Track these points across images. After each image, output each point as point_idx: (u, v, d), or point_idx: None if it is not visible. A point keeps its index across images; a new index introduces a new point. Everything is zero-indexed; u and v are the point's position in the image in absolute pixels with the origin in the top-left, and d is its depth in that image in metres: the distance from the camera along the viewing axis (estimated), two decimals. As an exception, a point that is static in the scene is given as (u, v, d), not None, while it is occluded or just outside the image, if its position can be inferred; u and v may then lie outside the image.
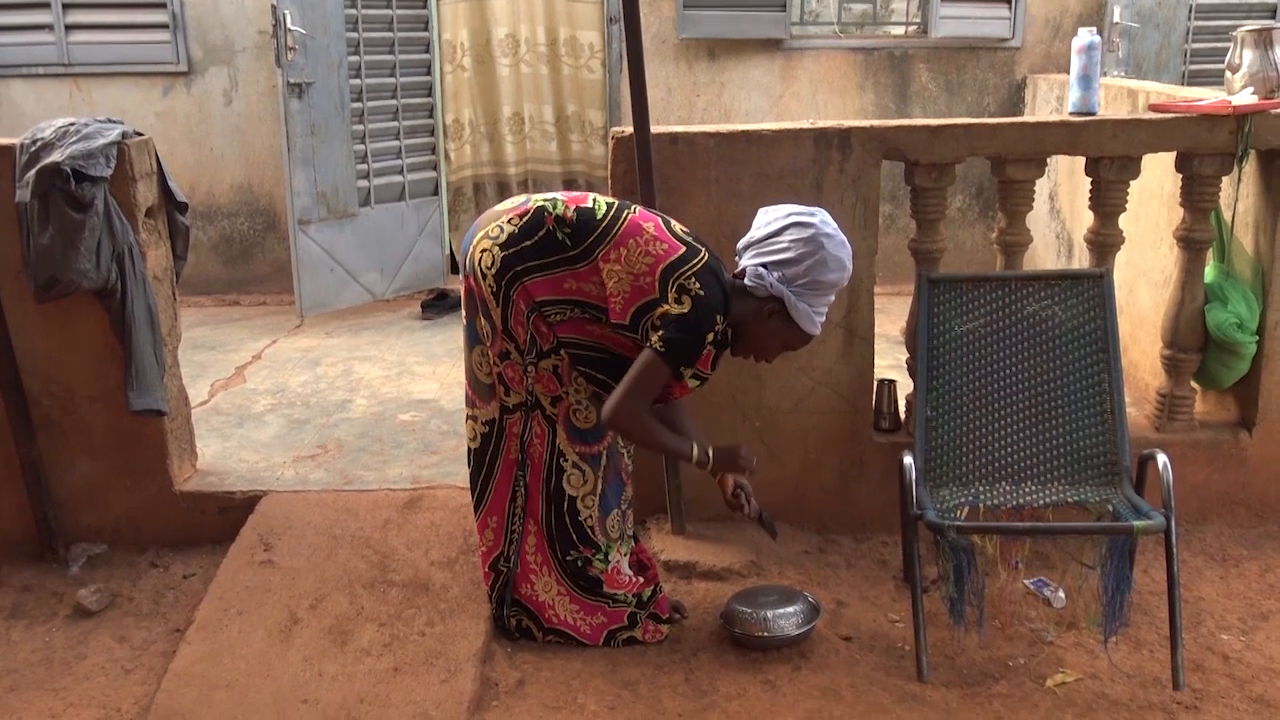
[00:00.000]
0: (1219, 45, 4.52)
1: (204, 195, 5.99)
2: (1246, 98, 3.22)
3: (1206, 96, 3.46)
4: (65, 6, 5.69)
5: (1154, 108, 3.36)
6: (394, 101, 5.71)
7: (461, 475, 3.49)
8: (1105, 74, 5.25)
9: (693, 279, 2.52)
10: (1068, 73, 3.46)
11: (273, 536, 3.17)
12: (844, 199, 3.19)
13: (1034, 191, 3.30)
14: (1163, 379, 3.47)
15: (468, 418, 2.84)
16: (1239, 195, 3.37)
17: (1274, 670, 2.73)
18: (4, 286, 3.18)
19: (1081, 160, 3.31)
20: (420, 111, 5.88)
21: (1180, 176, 3.28)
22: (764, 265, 2.58)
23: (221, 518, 3.37)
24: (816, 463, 3.38)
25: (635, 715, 2.56)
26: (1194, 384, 3.47)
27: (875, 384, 3.38)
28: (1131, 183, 3.28)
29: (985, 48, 5.99)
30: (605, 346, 2.65)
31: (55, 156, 2.98)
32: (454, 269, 6.26)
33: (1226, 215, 3.39)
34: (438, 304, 5.68)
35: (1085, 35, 3.38)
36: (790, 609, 2.83)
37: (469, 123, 6.18)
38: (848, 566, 3.25)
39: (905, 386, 3.41)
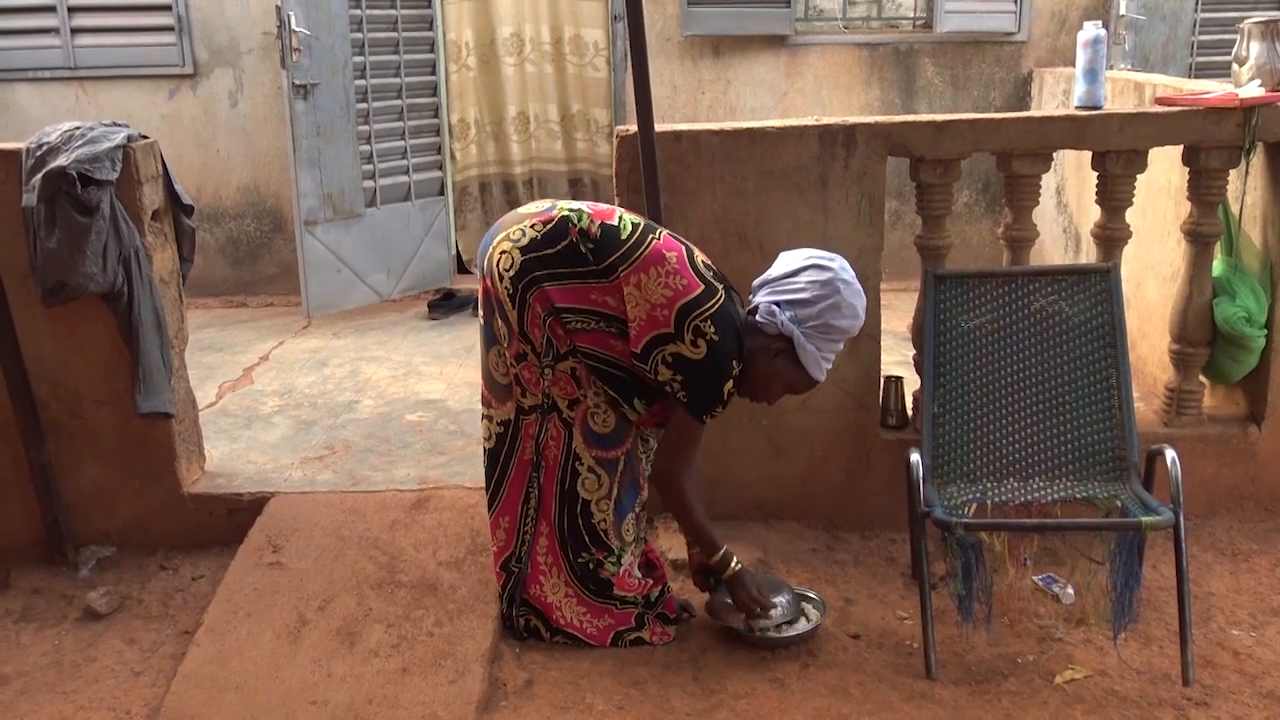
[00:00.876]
0: (1226, 38, 4.51)
1: (210, 197, 6.00)
2: (1253, 90, 3.20)
3: (1213, 89, 3.44)
4: (71, 10, 5.71)
5: (1160, 101, 3.35)
6: (399, 102, 5.71)
7: (469, 476, 3.51)
8: (1111, 67, 5.23)
9: (709, 322, 2.53)
10: (1074, 66, 3.44)
11: (281, 538, 3.18)
12: (849, 196, 3.18)
13: (1040, 186, 3.29)
14: (1171, 373, 3.46)
15: (483, 417, 2.84)
16: (1246, 188, 3.35)
17: (1285, 666, 2.72)
18: (11, 290, 3.19)
19: (1088, 155, 3.29)
20: (425, 111, 5.88)
21: (1187, 170, 3.27)
22: (777, 303, 2.59)
23: (230, 519, 3.38)
24: (824, 460, 3.38)
25: (643, 715, 2.56)
26: (1202, 378, 3.45)
27: (882, 381, 3.38)
28: (1138, 177, 3.26)
29: (991, 42, 5.97)
30: (625, 365, 2.65)
31: (61, 160, 2.98)
32: (460, 269, 6.27)
33: (1234, 209, 3.37)
34: (444, 304, 5.68)
35: (1091, 29, 3.36)
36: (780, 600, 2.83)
37: (474, 122, 6.18)
38: (856, 564, 3.24)
39: (912, 383, 3.41)
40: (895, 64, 6.00)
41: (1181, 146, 3.23)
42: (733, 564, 2.80)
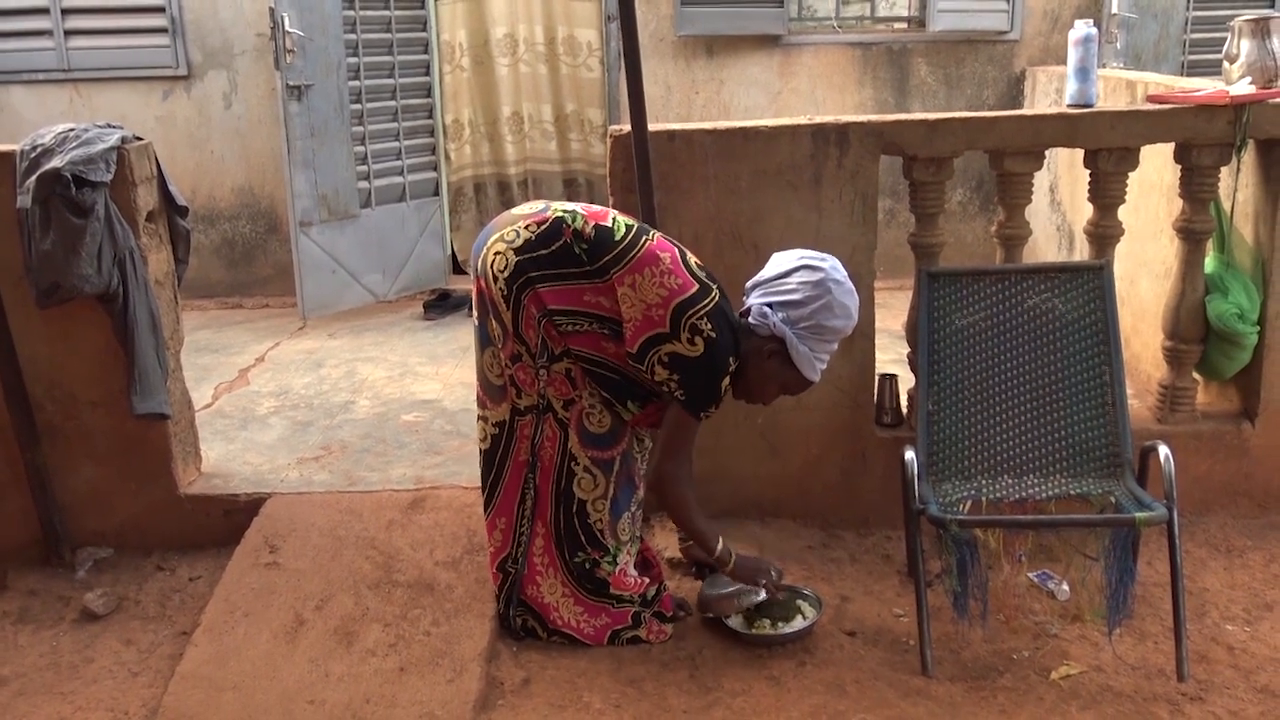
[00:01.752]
0: (1217, 36, 4.51)
1: (205, 199, 6.00)
2: (1244, 88, 3.21)
3: (1204, 87, 3.46)
4: (64, 12, 5.71)
5: (1152, 99, 3.36)
6: (393, 103, 5.71)
7: (465, 475, 3.51)
8: (1103, 65, 5.26)
9: (705, 320, 2.54)
10: (1066, 65, 3.46)
11: (277, 538, 3.18)
12: (842, 194, 3.19)
13: (1033, 184, 3.30)
14: (1164, 370, 3.47)
15: (478, 418, 2.84)
16: (1238, 185, 3.37)
17: (1279, 660, 2.73)
18: (6, 292, 3.19)
19: (1081, 152, 3.30)
20: (420, 112, 5.89)
21: (1179, 167, 3.28)
22: (769, 304, 2.60)
23: (226, 520, 3.38)
24: (819, 458, 3.39)
25: (641, 713, 2.57)
26: (1196, 375, 3.47)
27: (877, 379, 3.39)
28: (1130, 174, 3.27)
29: (984, 41, 5.99)
30: (618, 367, 2.65)
31: (56, 162, 2.98)
32: (456, 269, 6.27)
33: (1226, 205, 3.38)
34: (440, 304, 5.69)
35: (1082, 27, 3.38)
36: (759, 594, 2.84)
37: (469, 123, 6.19)
38: (851, 561, 3.25)
39: (907, 381, 3.41)
40: (888, 63, 6.01)
41: (1173, 144, 3.24)
42: (731, 562, 2.81)
